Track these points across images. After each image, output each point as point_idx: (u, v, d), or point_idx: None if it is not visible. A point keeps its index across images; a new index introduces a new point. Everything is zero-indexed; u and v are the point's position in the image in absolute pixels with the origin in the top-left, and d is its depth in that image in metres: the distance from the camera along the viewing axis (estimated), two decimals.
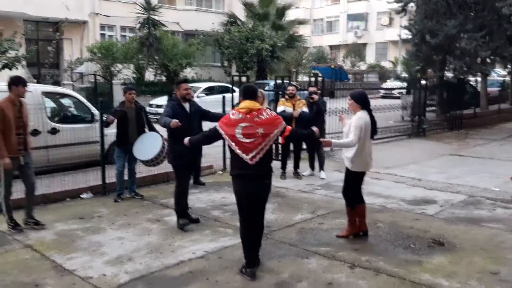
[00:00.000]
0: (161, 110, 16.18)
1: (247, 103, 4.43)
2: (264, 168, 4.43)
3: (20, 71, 14.87)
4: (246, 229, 4.53)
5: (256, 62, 24.91)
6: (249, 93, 4.53)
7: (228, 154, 9.29)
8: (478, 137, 14.39)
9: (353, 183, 5.45)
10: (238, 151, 4.35)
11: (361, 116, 5.23)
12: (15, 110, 5.48)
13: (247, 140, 4.32)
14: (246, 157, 4.33)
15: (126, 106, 7.15)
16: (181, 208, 5.90)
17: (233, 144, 4.37)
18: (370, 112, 5.33)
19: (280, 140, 4.56)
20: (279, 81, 10.69)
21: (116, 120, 7.14)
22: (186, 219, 5.93)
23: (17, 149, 5.54)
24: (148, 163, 6.69)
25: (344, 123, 5.57)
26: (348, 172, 5.39)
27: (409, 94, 15.21)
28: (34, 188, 5.99)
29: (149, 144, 6.63)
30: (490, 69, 18.29)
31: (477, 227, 5.97)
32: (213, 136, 4.64)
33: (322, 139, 5.37)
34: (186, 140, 5.02)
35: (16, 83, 5.46)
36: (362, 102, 5.30)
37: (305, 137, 5.10)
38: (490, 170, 9.35)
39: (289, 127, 4.60)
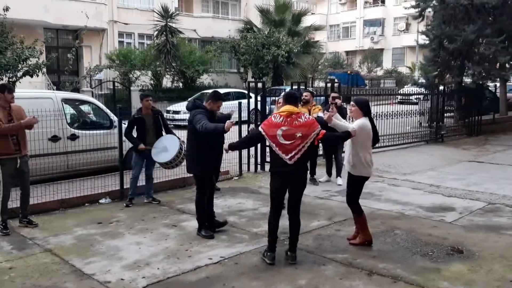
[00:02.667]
0: (178, 116, 16.47)
1: (287, 107, 4.88)
2: (302, 165, 4.88)
3: (40, 78, 15.15)
4: (274, 215, 5.00)
5: (272, 68, 24.97)
6: (290, 98, 4.99)
7: (244, 160, 9.42)
8: (498, 143, 14.17)
9: (356, 188, 5.46)
10: (278, 152, 4.78)
11: (365, 122, 5.26)
12: (6, 114, 5.90)
13: (287, 142, 4.76)
14: (286, 157, 4.76)
15: (143, 112, 7.26)
16: (204, 220, 5.85)
17: (273, 145, 4.81)
18: (371, 119, 5.36)
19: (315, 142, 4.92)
20: (295, 87, 10.70)
21: (132, 127, 7.28)
22: (214, 224, 5.92)
23: (14, 150, 5.96)
24: (167, 165, 6.75)
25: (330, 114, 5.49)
26: (352, 178, 5.42)
27: (427, 99, 15.07)
28: (29, 191, 6.28)
29: (167, 146, 6.69)
30: (509, 75, 18.01)
31: (497, 234, 5.88)
32: (257, 138, 5.21)
33: (326, 113, 5.39)
34: (226, 146, 5.24)
35: (2, 91, 5.89)
36: (365, 109, 5.33)
37: (339, 139, 5.36)
38: (510, 177, 9.20)
39: (323, 131, 4.91)
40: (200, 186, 5.86)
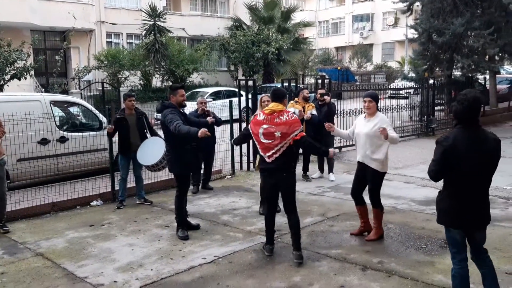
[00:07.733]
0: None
1: (271, 105, 4.86)
2: (283, 163, 4.79)
3: (29, 80, 15.01)
4: (269, 211, 5.06)
5: (262, 65, 24.93)
6: (276, 95, 4.92)
7: (236, 159, 9.38)
8: None
9: (380, 185, 5.48)
10: (259, 149, 4.86)
11: (384, 116, 5.39)
12: None
13: (266, 141, 4.76)
14: (264, 155, 4.80)
15: (126, 113, 7.20)
16: (182, 217, 5.83)
17: (256, 142, 4.88)
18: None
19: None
20: (286, 84, 10.66)
21: (115, 128, 7.17)
22: (186, 225, 5.87)
23: None
24: (153, 167, 6.70)
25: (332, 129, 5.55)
26: (378, 175, 5.36)
27: (417, 93, 15.13)
28: (5, 196, 6.18)
29: (153, 149, 6.63)
30: (498, 67, 18.14)
31: (490, 226, 5.79)
32: (247, 135, 5.15)
33: (381, 130, 5.03)
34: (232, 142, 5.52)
35: None
36: (377, 103, 5.41)
37: (317, 152, 5.64)
38: (501, 169, 9.10)
39: (302, 133, 4.85)
40: (180, 185, 5.84)
